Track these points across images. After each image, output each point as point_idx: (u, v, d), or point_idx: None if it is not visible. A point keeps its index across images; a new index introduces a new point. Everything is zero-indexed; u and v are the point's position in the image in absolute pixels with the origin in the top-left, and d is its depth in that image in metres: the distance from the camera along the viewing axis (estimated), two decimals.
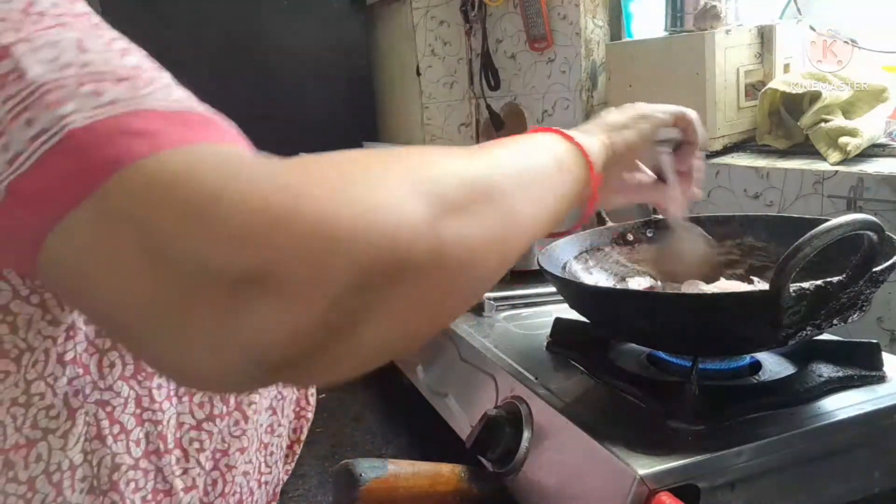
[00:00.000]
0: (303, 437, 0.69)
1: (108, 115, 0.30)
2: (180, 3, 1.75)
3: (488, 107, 1.80)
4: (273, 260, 0.28)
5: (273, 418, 0.61)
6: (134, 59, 0.34)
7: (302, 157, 0.33)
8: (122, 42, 0.35)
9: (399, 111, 2.08)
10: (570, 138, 0.52)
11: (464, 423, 0.75)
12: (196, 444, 0.51)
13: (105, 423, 0.46)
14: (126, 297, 0.29)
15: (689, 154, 0.69)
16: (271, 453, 0.60)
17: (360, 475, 0.61)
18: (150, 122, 0.31)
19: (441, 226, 0.33)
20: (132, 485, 0.47)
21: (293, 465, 0.69)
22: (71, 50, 0.32)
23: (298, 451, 0.69)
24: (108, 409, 0.47)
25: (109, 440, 0.46)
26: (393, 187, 0.32)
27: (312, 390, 0.70)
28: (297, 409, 0.68)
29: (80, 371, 0.45)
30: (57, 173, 0.29)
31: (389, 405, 0.98)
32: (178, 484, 0.50)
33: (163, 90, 0.33)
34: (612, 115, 0.63)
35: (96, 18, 0.36)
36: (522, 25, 1.63)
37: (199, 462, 0.51)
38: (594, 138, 0.57)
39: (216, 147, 0.32)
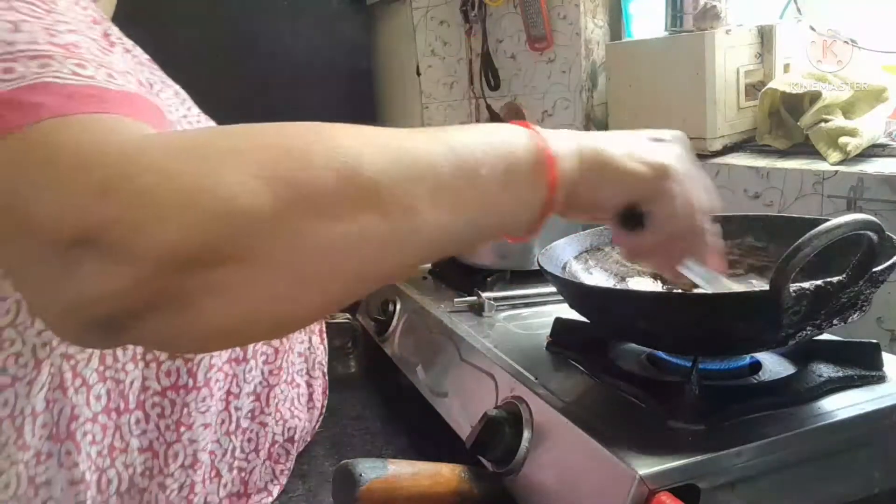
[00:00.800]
0: (301, 437, 0.69)
1: (8, 88, 0.34)
2: (179, 4, 1.75)
3: (488, 107, 1.80)
4: (103, 223, 0.30)
5: (256, 404, 0.61)
6: (72, 38, 0.38)
7: (191, 129, 0.35)
8: (70, 26, 0.39)
9: (399, 111, 2.08)
10: (544, 149, 0.43)
11: (464, 423, 0.75)
12: (157, 410, 0.52)
13: (68, 375, 0.48)
14: None
15: (644, 239, 0.52)
16: (249, 440, 0.60)
17: (360, 475, 0.61)
18: (43, 95, 0.34)
19: (290, 219, 0.32)
20: (89, 437, 0.49)
21: (289, 463, 0.68)
22: (4, 32, 0.36)
23: (292, 450, 0.68)
24: (73, 362, 0.48)
25: (70, 392, 0.48)
26: (243, 170, 0.32)
27: (318, 394, 0.69)
28: (311, 404, 0.67)
29: None
30: None
31: (389, 405, 0.98)
32: (135, 443, 0.51)
33: (79, 67, 0.36)
34: (616, 142, 0.48)
35: (62, 6, 0.41)
36: (522, 25, 1.63)
37: (158, 427, 0.52)
38: (573, 163, 0.46)
39: (96, 118, 0.34)
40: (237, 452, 0.60)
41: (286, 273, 0.33)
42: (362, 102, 2.06)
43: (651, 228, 0.51)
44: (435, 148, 0.39)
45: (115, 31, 0.50)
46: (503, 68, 1.76)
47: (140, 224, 0.30)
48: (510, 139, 0.43)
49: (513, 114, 1.76)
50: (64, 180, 0.31)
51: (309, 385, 0.72)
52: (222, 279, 0.32)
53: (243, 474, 0.61)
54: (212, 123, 0.58)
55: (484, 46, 1.77)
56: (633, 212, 0.51)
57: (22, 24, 0.37)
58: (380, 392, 1.02)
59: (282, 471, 0.67)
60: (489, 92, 1.79)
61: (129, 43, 0.53)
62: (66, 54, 0.37)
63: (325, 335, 0.76)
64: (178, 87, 0.57)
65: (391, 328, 1.05)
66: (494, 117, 1.78)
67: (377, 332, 1.08)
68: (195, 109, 0.57)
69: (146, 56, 0.55)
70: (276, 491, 0.65)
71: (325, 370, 0.73)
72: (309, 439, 0.73)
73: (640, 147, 0.49)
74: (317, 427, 0.72)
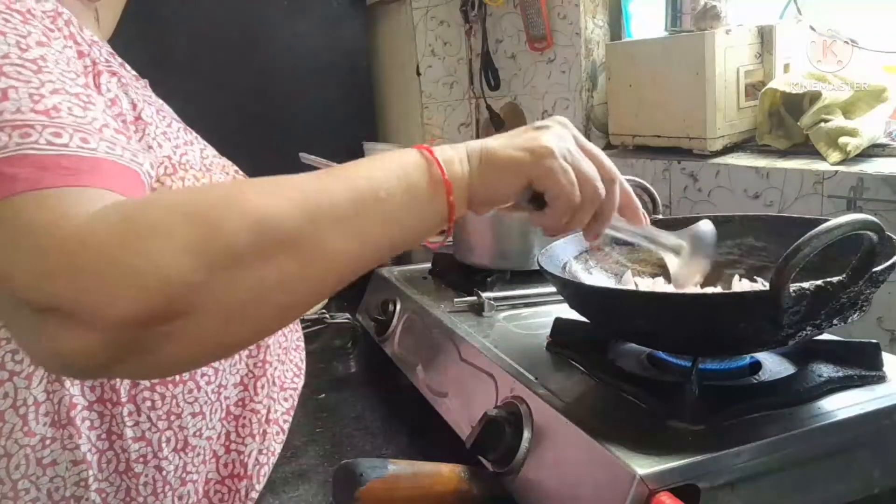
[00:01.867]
0: (273, 417, 0.69)
1: None
2: (180, 4, 1.75)
3: (488, 107, 1.80)
4: (64, 299, 0.37)
5: (244, 393, 0.65)
6: (55, 100, 0.43)
7: (131, 203, 0.41)
8: (55, 84, 0.43)
9: (399, 111, 2.08)
10: (434, 161, 0.49)
11: (464, 423, 0.75)
12: (148, 403, 0.57)
13: None
14: None
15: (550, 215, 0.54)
16: (244, 426, 0.65)
17: (360, 475, 0.61)
18: (19, 167, 0.39)
19: (216, 277, 0.39)
20: (87, 422, 0.55)
21: (270, 443, 0.68)
22: None
23: (269, 431, 0.69)
24: None
25: (67, 383, 0.53)
26: (172, 242, 0.38)
27: (287, 376, 0.70)
28: (280, 388, 0.68)
29: None
30: None
31: (389, 405, 0.98)
32: (129, 433, 0.57)
33: (55, 136, 0.41)
34: (498, 140, 0.53)
35: (50, 60, 0.45)
36: (522, 25, 1.63)
37: (150, 419, 0.57)
38: (464, 166, 0.51)
39: (63, 193, 0.39)
40: (233, 436, 0.64)
41: (222, 317, 0.40)
42: (362, 102, 2.06)
43: (550, 204, 0.53)
44: (335, 186, 0.45)
45: (104, 53, 0.55)
46: (503, 68, 1.76)
47: (95, 302, 0.37)
48: (401, 159, 0.49)
49: (513, 114, 1.76)
50: (27, 258, 0.37)
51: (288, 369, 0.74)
52: (172, 330, 0.38)
53: (242, 456, 0.64)
54: (191, 137, 0.63)
55: (484, 46, 1.77)
56: (536, 193, 0.54)
57: (9, 91, 0.41)
58: (380, 392, 1.02)
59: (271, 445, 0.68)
60: (489, 92, 1.79)
61: (118, 63, 0.57)
62: (46, 122, 0.41)
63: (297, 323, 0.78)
64: (161, 102, 0.63)
65: (391, 328, 1.05)
66: (494, 117, 1.78)
67: (377, 332, 1.08)
68: (175, 125, 0.61)
69: (133, 73, 0.60)
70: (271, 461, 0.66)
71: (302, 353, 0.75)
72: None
73: (519, 137, 0.53)
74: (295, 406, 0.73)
